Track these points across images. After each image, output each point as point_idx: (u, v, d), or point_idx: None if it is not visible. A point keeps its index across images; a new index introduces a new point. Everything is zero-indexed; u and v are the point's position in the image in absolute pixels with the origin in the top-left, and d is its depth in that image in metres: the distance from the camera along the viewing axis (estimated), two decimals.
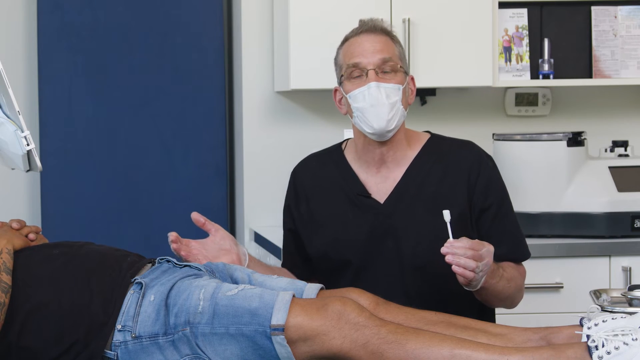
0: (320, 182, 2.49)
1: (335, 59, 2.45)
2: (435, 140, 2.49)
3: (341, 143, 2.55)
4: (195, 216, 2.37)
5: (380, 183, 2.44)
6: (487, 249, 2.18)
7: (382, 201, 2.42)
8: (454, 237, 2.16)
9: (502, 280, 2.30)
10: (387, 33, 2.41)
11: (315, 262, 2.47)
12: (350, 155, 2.49)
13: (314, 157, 2.58)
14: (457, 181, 2.41)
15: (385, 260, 2.39)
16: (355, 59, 2.37)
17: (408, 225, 2.38)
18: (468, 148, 2.48)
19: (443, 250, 2.13)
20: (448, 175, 2.42)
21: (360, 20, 2.45)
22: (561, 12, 3.81)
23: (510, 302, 2.41)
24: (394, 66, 2.37)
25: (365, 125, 2.37)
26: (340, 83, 2.43)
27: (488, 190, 2.42)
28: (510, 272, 2.37)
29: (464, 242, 2.14)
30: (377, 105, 2.34)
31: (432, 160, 2.44)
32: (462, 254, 2.12)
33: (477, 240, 2.18)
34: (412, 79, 2.45)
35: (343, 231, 2.42)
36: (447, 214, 2.19)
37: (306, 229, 2.48)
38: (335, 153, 2.53)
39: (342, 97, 2.43)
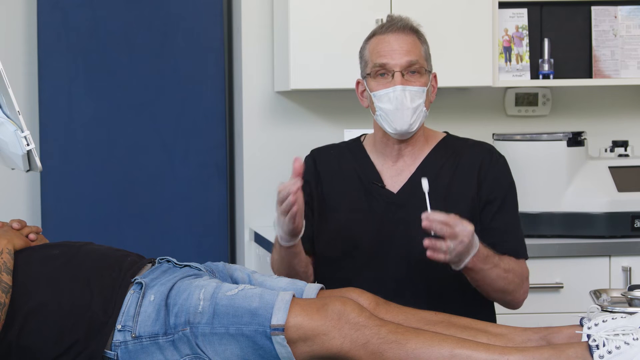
0: (337, 169, 2.52)
1: (361, 53, 2.48)
2: (450, 139, 2.54)
3: (359, 137, 2.59)
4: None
5: (395, 176, 2.47)
6: (463, 226, 2.18)
7: (395, 191, 2.44)
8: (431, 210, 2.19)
9: (496, 269, 2.31)
10: (416, 32, 2.45)
11: (324, 247, 2.47)
12: (369, 147, 2.53)
13: (331, 146, 2.61)
14: (468, 176, 2.45)
15: (394, 250, 2.40)
16: (383, 59, 2.40)
17: (419, 217, 2.38)
18: (481, 146, 2.53)
19: (424, 223, 2.14)
20: (460, 170, 2.45)
21: (389, 16, 2.48)
22: (561, 12, 3.80)
23: (508, 294, 2.39)
24: (420, 68, 2.41)
25: (387, 125, 2.41)
26: (364, 77, 2.45)
27: (494, 185, 2.45)
28: (509, 263, 2.37)
29: (441, 216, 2.16)
30: (402, 108, 2.38)
31: (446, 156, 2.48)
32: (439, 230, 2.15)
33: (453, 215, 2.18)
34: (435, 76, 2.49)
35: (354, 218, 2.43)
36: (425, 183, 2.23)
37: (319, 211, 2.49)
38: (353, 145, 2.57)
39: (364, 90, 2.47)
